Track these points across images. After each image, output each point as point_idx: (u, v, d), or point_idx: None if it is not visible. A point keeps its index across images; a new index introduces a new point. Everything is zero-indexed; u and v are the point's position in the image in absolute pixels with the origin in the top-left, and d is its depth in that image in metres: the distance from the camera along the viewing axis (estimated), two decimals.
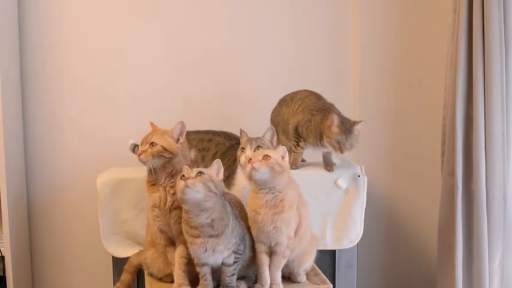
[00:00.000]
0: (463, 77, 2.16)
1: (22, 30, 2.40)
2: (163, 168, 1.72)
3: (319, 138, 2.07)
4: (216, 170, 1.65)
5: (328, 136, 2.02)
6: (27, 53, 2.42)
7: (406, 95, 2.69)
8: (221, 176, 1.66)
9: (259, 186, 1.66)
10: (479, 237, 2.13)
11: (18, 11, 2.39)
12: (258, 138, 1.90)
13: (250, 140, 1.87)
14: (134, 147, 2.11)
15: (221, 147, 2.11)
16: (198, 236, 1.62)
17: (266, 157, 1.64)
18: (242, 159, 1.81)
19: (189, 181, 1.56)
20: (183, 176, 1.59)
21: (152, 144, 1.71)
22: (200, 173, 1.59)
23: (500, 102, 2.10)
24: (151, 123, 1.80)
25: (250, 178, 1.66)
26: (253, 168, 1.62)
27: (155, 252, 1.84)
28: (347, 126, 2.02)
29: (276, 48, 2.62)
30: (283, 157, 1.69)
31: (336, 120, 2.00)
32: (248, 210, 1.72)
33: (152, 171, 1.72)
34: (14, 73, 2.36)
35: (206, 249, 1.62)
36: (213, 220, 1.61)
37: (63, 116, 2.48)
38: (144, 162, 1.71)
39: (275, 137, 1.93)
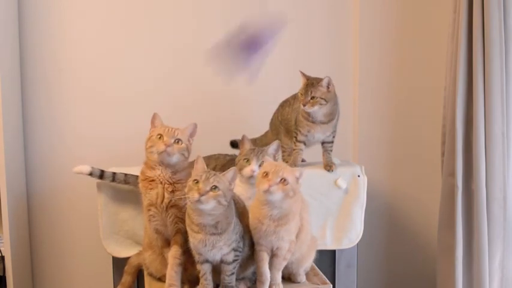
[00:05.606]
0: (463, 77, 2.16)
1: (22, 30, 2.40)
2: (173, 165, 1.73)
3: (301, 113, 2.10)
4: (230, 178, 1.62)
5: (300, 93, 2.07)
6: (27, 53, 2.42)
7: (406, 95, 2.69)
8: (234, 185, 1.64)
9: (267, 203, 1.65)
10: (479, 237, 2.13)
11: (18, 11, 2.39)
12: (263, 150, 1.86)
13: (256, 153, 1.85)
14: (103, 173, 2.08)
15: (221, 160, 2.13)
16: (199, 232, 1.62)
17: (284, 181, 1.60)
18: (247, 171, 1.82)
19: (203, 198, 1.55)
20: (197, 181, 1.57)
21: (178, 140, 1.72)
22: (215, 187, 1.57)
23: (500, 102, 2.10)
24: (155, 114, 1.79)
25: (261, 195, 1.64)
26: (269, 192, 1.60)
27: (153, 253, 1.84)
28: (313, 81, 2.07)
29: (275, 47, 2.61)
30: (298, 178, 1.65)
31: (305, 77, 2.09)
32: (251, 216, 1.71)
33: (163, 167, 1.72)
34: (14, 73, 2.36)
35: (206, 245, 1.63)
36: (217, 222, 1.61)
37: (63, 115, 2.48)
38: (170, 155, 1.71)
39: (279, 152, 1.94)
